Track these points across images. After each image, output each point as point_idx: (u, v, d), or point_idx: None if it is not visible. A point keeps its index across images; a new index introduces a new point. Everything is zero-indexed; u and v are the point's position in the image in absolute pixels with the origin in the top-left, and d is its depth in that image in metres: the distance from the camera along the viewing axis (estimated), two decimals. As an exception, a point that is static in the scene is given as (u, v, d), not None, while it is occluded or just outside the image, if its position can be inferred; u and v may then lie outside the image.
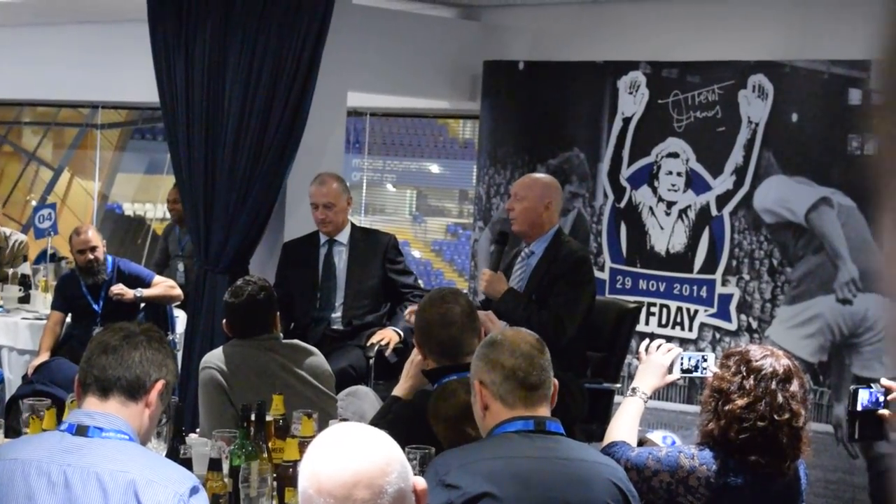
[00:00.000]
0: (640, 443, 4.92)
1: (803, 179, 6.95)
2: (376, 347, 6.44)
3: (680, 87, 7.40)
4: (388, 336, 6.50)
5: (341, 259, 6.73)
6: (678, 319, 7.36)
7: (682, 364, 4.17)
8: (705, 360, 4.14)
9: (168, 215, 9.63)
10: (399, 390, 4.48)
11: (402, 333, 6.52)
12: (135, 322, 3.29)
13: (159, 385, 3.12)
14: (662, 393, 7.25)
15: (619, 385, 6.24)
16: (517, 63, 8.06)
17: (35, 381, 7.10)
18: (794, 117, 7.00)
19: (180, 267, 8.39)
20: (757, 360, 3.70)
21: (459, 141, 11.06)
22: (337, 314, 6.67)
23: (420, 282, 7.29)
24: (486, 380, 3.45)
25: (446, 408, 3.90)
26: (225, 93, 7.18)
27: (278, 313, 5.23)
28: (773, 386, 3.65)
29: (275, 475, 3.99)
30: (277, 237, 7.31)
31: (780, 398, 3.64)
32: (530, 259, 5.80)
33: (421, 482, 2.35)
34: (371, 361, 6.42)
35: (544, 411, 3.45)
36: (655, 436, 6.14)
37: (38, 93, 11.88)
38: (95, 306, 7.54)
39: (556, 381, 3.52)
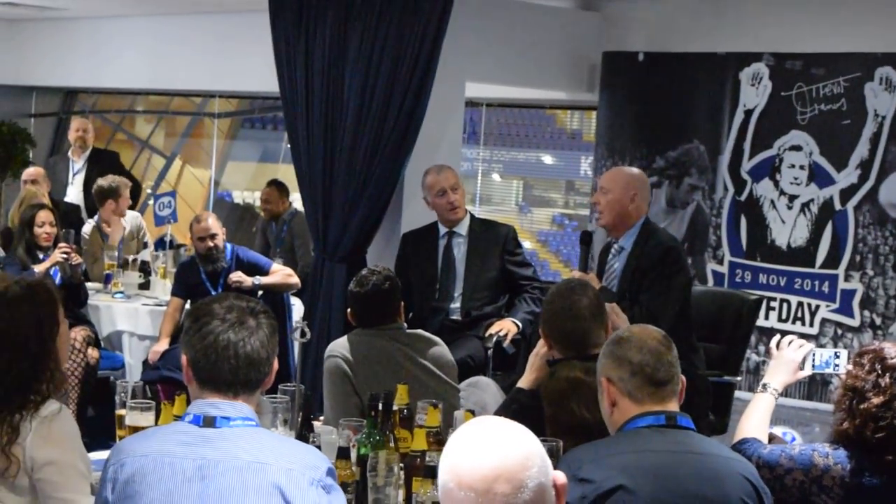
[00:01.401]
0: (769, 440, 4.87)
1: (930, 174, 6.83)
2: (495, 338, 6.43)
3: (804, 80, 7.29)
4: (506, 327, 6.49)
5: (460, 250, 6.73)
6: (799, 314, 7.27)
7: (813, 361, 4.11)
8: (838, 357, 4.07)
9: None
10: (524, 382, 4.45)
11: (520, 324, 6.50)
12: (235, 296, 3.14)
13: (275, 364, 3.11)
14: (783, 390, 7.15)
15: (739, 378, 6.17)
16: (637, 54, 8.00)
17: (161, 366, 7.20)
18: (922, 110, 6.88)
19: (279, 263, 8.47)
20: (892, 358, 3.64)
21: (567, 131, 11.01)
22: (456, 305, 6.68)
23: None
24: (613, 376, 3.42)
25: (553, 384, 3.89)
26: (344, 84, 7.22)
27: (402, 303, 5.24)
28: None
29: (402, 465, 3.99)
30: (395, 227, 7.33)
31: None
32: (621, 255, 5.74)
33: (561, 477, 2.33)
34: (489, 352, 6.41)
35: (674, 406, 3.42)
36: (776, 432, 6.06)
37: (153, 82, 12.05)
38: (214, 293, 7.61)
39: (683, 378, 3.49)
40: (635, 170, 5.98)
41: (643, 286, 5.57)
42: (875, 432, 3.57)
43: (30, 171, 9.82)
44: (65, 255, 7.45)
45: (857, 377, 3.66)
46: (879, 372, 3.62)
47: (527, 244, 10.45)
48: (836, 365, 4.05)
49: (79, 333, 7.29)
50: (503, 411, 4.28)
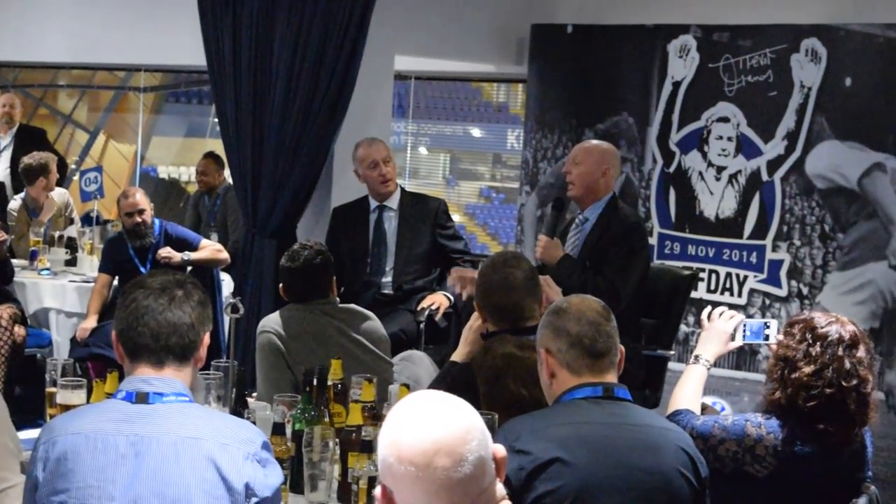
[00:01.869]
0: (701, 410, 4.90)
1: (856, 144, 6.90)
2: (427, 312, 6.43)
3: (731, 51, 7.34)
4: (438, 300, 6.49)
5: (392, 224, 6.71)
6: (727, 285, 7.33)
7: (744, 332, 4.14)
8: (768, 328, 4.11)
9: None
10: (458, 355, 4.45)
11: (451, 298, 6.51)
12: (164, 272, 3.14)
13: (206, 338, 3.09)
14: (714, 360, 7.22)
15: (673, 352, 6.22)
16: (565, 26, 8.01)
17: (90, 344, 7.12)
18: (848, 82, 6.95)
19: (214, 237, 8.39)
20: (822, 327, 3.67)
21: (494, 104, 11.03)
22: (387, 279, 6.67)
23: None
24: (552, 348, 3.43)
25: (488, 360, 3.89)
26: (273, 57, 7.16)
27: (334, 278, 5.22)
28: (840, 352, 3.63)
29: (337, 440, 3.97)
30: (325, 202, 7.30)
31: (847, 364, 3.62)
32: (585, 225, 5.77)
33: (501, 450, 2.34)
34: (421, 326, 6.42)
35: (612, 378, 3.43)
36: (706, 401, 6.12)
37: (76, 56, 11.89)
38: (143, 269, 7.53)
39: (622, 348, 3.50)
40: (608, 144, 5.98)
41: (607, 258, 5.60)
42: (807, 401, 3.61)
43: None
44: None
45: (789, 347, 3.69)
46: (810, 341, 3.65)
47: (455, 217, 10.44)
48: (767, 336, 4.08)
49: (5, 311, 7.20)
50: (437, 385, 4.27)
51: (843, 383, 3.60)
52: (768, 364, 3.77)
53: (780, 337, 3.78)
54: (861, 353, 3.66)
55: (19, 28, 11.89)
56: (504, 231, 10.97)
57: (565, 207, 5.96)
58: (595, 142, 6.08)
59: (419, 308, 6.47)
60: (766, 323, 4.17)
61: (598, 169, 5.72)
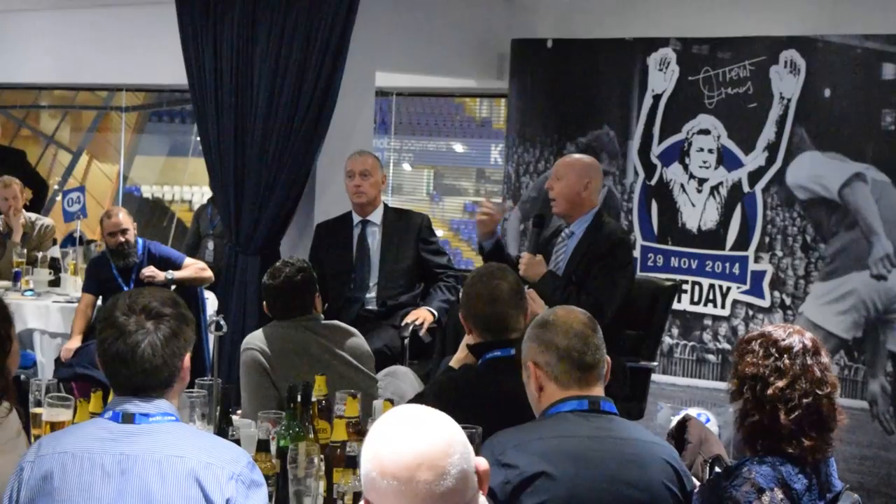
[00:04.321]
0: (683, 422, 4.90)
1: (836, 155, 6.93)
2: (411, 327, 6.43)
3: (710, 64, 7.37)
4: (422, 316, 6.49)
5: (375, 240, 6.72)
6: (711, 297, 7.35)
7: None
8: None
9: (194, 198, 9.66)
10: (454, 361, 4.48)
11: (436, 313, 6.51)
12: (129, 294, 3.09)
13: (187, 360, 3.09)
14: (696, 370, 7.25)
15: (656, 363, 6.23)
16: (545, 41, 8.03)
17: (74, 364, 7.11)
18: (827, 93, 6.98)
19: (210, 246, 8.40)
20: (784, 339, 3.58)
21: (477, 119, 11.04)
22: (371, 294, 6.67)
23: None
24: (540, 361, 3.43)
25: None
26: (254, 74, 7.17)
27: (317, 294, 5.22)
28: (809, 361, 3.56)
29: (322, 456, 3.98)
30: (308, 218, 7.30)
31: (817, 372, 3.55)
32: (570, 240, 5.76)
33: (483, 463, 2.35)
34: (406, 342, 6.41)
35: (598, 390, 3.43)
36: (691, 412, 6.14)
37: (58, 76, 11.88)
38: (126, 288, 7.53)
39: (608, 359, 3.50)
40: (589, 158, 5.97)
41: (592, 273, 5.59)
42: (789, 413, 3.54)
43: None
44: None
45: (755, 364, 3.59)
46: (776, 355, 3.56)
47: (439, 233, 10.45)
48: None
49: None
50: (427, 390, 4.29)
51: (818, 391, 3.56)
52: (731, 387, 3.65)
53: (735, 357, 3.70)
54: (824, 358, 3.60)
55: (1, 49, 11.89)
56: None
57: (545, 224, 5.96)
58: (577, 156, 6.08)
59: (403, 323, 6.47)
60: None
61: (580, 182, 5.72)
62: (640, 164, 7.65)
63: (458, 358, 4.41)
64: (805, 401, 3.52)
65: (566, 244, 5.77)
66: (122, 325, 3.00)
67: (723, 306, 7.31)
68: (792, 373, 3.53)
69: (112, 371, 3.03)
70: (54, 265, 8.53)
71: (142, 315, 3.01)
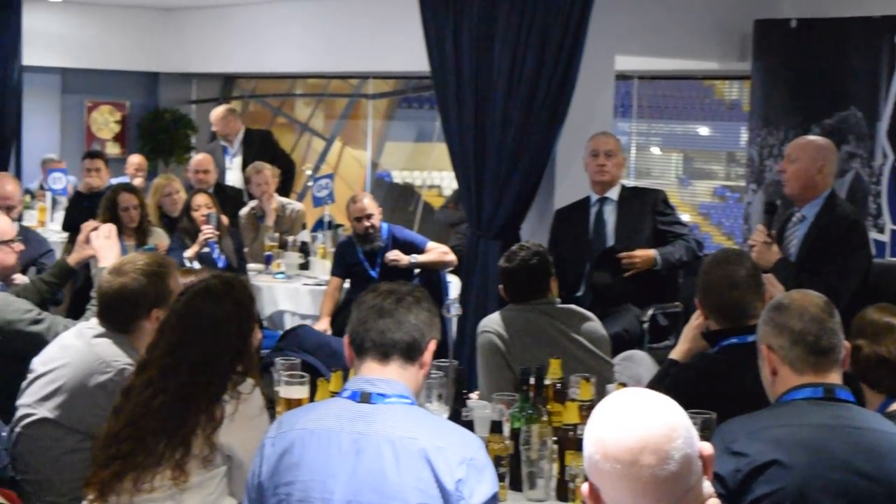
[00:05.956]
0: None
1: None
2: (650, 311, 6.39)
3: (965, 40, 7.09)
4: (643, 255, 6.49)
5: (611, 216, 6.71)
6: (967, 284, 7.07)
7: None
8: None
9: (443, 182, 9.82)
10: (677, 353, 4.45)
11: (659, 259, 6.48)
12: (397, 282, 3.31)
13: (433, 344, 3.19)
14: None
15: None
16: (789, 21, 7.86)
17: (284, 347, 7.33)
18: None
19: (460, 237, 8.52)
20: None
21: (726, 102, 10.86)
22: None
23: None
24: (774, 344, 3.38)
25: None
26: (493, 61, 7.22)
27: (553, 278, 5.24)
28: None
29: (555, 438, 4.02)
30: (548, 203, 7.33)
31: None
32: (801, 224, 5.65)
33: (708, 448, 2.32)
34: (645, 325, 6.39)
35: (835, 377, 3.35)
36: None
37: (311, 65, 12.23)
38: (372, 272, 7.72)
39: (847, 345, 3.42)
40: (825, 140, 5.86)
41: (826, 258, 5.49)
42: None
43: (199, 160, 9.92)
44: (207, 238, 7.68)
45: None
46: None
47: (687, 217, 10.36)
48: None
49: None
50: (656, 384, 4.27)
51: None
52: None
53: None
54: None
55: (255, 40, 12.33)
56: (739, 230, 10.81)
57: (777, 210, 5.85)
58: (811, 137, 5.96)
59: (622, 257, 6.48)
60: None
61: (814, 166, 5.61)
62: (890, 146, 7.41)
63: (682, 349, 4.38)
64: None
65: (797, 228, 5.66)
66: (383, 290, 3.23)
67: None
68: None
69: (366, 328, 3.15)
70: (304, 249, 8.80)
71: (403, 293, 3.22)
